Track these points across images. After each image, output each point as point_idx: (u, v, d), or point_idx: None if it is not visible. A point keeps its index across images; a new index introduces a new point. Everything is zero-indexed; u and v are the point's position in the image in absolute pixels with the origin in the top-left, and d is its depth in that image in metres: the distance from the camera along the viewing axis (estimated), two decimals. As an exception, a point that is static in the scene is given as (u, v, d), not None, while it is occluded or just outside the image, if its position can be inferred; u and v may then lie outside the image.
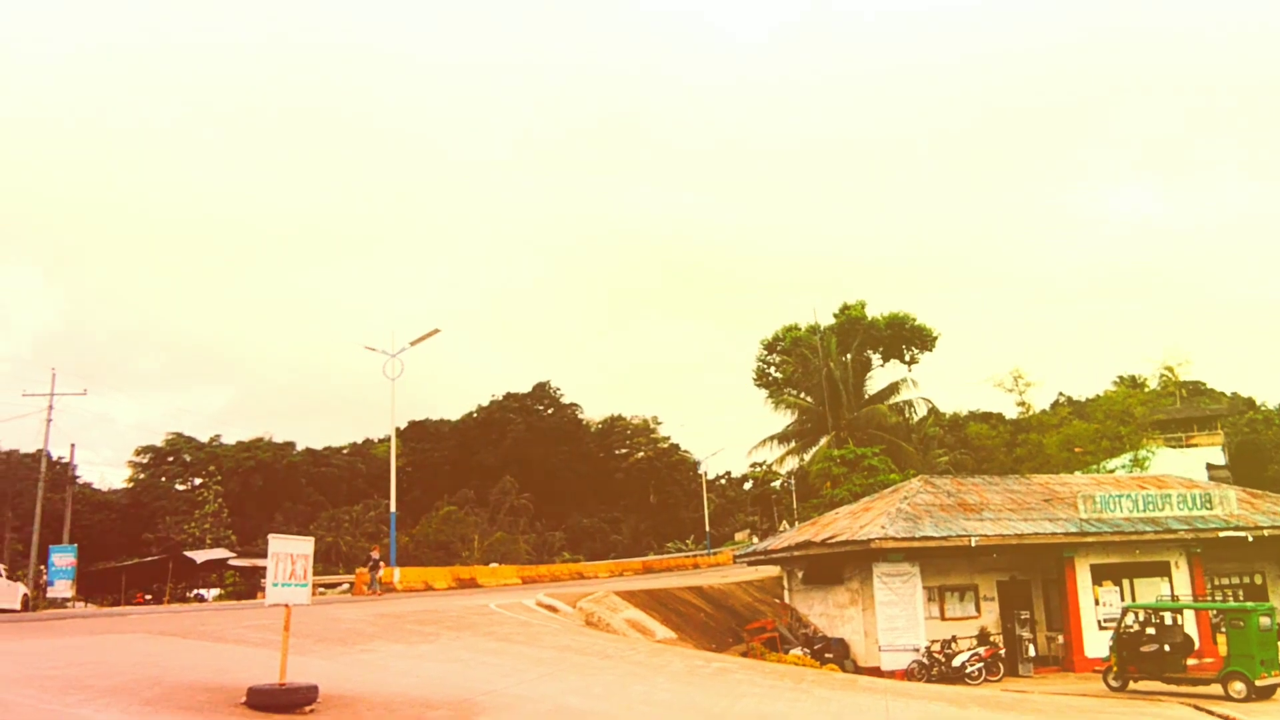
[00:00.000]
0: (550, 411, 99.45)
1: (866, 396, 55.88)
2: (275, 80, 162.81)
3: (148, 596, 55.69)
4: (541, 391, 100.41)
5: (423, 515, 72.42)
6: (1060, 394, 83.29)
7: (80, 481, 66.20)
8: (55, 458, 55.75)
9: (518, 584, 45.30)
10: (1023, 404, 52.38)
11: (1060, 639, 25.99)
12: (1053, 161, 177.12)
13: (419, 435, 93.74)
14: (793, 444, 57.27)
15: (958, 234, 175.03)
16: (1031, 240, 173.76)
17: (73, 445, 73.03)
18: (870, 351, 57.75)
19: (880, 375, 57.71)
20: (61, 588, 45.81)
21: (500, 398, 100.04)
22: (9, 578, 35.49)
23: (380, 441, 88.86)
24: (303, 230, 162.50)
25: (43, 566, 47.49)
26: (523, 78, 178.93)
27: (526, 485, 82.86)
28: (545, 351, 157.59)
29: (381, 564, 36.97)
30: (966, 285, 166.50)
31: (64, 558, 47.33)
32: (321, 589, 41.93)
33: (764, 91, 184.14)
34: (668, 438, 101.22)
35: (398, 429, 47.44)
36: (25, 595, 36.18)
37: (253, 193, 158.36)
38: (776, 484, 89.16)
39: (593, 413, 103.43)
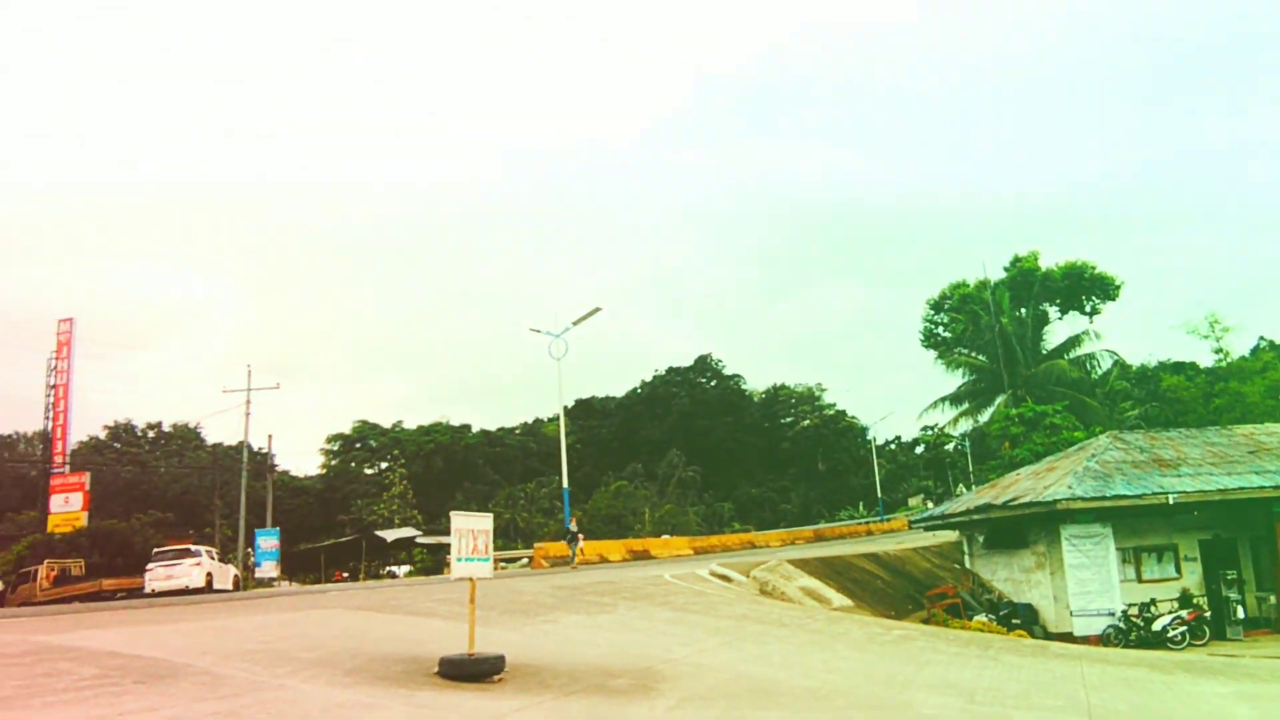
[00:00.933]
0: (713, 384, 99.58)
1: (1044, 352, 53.39)
2: (429, 71, 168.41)
3: (345, 574, 59.23)
4: (704, 364, 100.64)
5: (593, 490, 73.99)
6: (1262, 338, 76.90)
7: (279, 469, 70.81)
8: (255, 448, 59.88)
9: (690, 554, 45.64)
10: (1220, 350, 48.80)
11: (1272, 599, 24.14)
12: (1253, 88, 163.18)
13: (586, 412, 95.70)
14: (966, 405, 55.38)
15: (1139, 173, 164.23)
16: (1229, 171, 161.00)
17: (270, 436, 78.21)
18: (1046, 304, 55.07)
19: (1058, 329, 55.00)
20: (268, 568, 49.28)
21: (663, 372, 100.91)
22: (221, 560, 38.41)
23: (549, 420, 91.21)
24: (470, 219, 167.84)
25: (250, 549, 51.23)
26: (676, 46, 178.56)
27: (693, 458, 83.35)
28: (705, 324, 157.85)
29: (580, 536, 37.34)
30: (1152, 227, 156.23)
31: (268, 540, 50.91)
32: (502, 563, 43.45)
33: (921, 40, 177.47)
34: (833, 404, 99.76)
35: (565, 407, 48.48)
36: (236, 576, 39.05)
37: (421, 187, 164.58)
38: (950, 446, 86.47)
39: (755, 383, 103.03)
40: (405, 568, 59.26)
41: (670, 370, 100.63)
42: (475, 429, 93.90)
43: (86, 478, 51.07)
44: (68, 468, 52.05)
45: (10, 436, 73.82)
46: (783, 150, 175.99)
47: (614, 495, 71.38)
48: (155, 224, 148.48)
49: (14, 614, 21.39)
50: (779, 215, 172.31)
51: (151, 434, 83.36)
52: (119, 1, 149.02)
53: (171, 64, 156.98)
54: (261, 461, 60.46)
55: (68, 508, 48.91)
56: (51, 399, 53.17)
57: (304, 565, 62.60)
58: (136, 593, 33.76)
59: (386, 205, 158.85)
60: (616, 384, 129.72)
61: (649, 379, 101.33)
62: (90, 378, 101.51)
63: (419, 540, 60.91)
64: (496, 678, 9.67)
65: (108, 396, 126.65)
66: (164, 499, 67.73)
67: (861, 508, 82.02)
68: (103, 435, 79.31)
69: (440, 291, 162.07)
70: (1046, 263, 54.72)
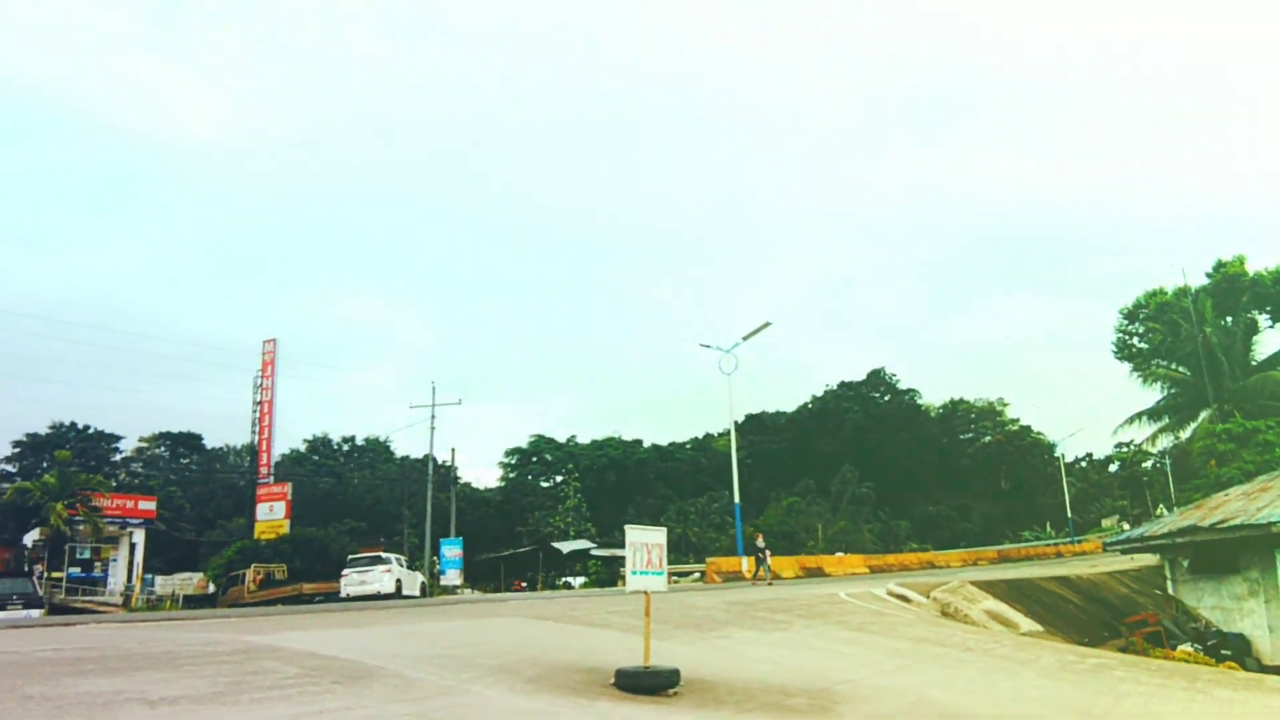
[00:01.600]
0: (887, 398, 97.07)
1: (1254, 363, 49.39)
2: (593, 87, 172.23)
3: (523, 584, 60.91)
4: (877, 378, 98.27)
5: (764, 506, 73.39)
6: None
7: (461, 481, 73.69)
8: (439, 461, 62.49)
9: (865, 573, 44.57)
10: None
11: None
12: None
13: (756, 427, 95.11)
14: (1165, 420, 51.89)
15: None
16: None
17: (453, 449, 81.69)
18: (1256, 312, 50.91)
19: (1270, 338, 50.71)
20: (452, 576, 51.21)
21: (834, 387, 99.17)
22: (409, 568, 40.21)
23: (719, 435, 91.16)
24: (641, 236, 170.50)
25: (435, 557, 53.40)
26: (845, 57, 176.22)
27: (866, 474, 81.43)
28: (876, 338, 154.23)
29: (767, 552, 36.70)
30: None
31: (452, 549, 52.96)
32: (674, 577, 43.65)
33: (1098, 46, 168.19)
34: (1016, 420, 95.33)
35: (736, 422, 48.35)
36: (423, 583, 40.76)
37: (591, 205, 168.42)
38: (1148, 465, 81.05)
39: (931, 397, 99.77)
40: (580, 579, 60.45)
41: (842, 385, 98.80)
42: (646, 444, 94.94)
43: (289, 488, 54.59)
44: (272, 478, 55.85)
45: (221, 449, 79.84)
46: (954, 160, 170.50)
47: (786, 511, 70.57)
48: (351, 250, 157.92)
49: (225, 614, 23.02)
50: (951, 226, 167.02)
51: (346, 447, 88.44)
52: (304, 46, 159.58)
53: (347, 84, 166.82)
54: (445, 474, 63.06)
55: (272, 516, 52.41)
56: (257, 414, 57.25)
57: (485, 574, 64.82)
58: (333, 596, 35.79)
59: (566, 226, 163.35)
60: (787, 399, 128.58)
61: (820, 394, 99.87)
62: (292, 395, 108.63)
63: (593, 552, 62.03)
64: (671, 691, 9.68)
65: (306, 412, 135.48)
66: (358, 508, 71.62)
67: (1049, 528, 77.93)
68: (303, 448, 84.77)
69: (613, 309, 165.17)
70: (1255, 266, 50.62)
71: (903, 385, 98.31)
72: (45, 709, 6.81)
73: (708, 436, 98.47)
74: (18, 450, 62.57)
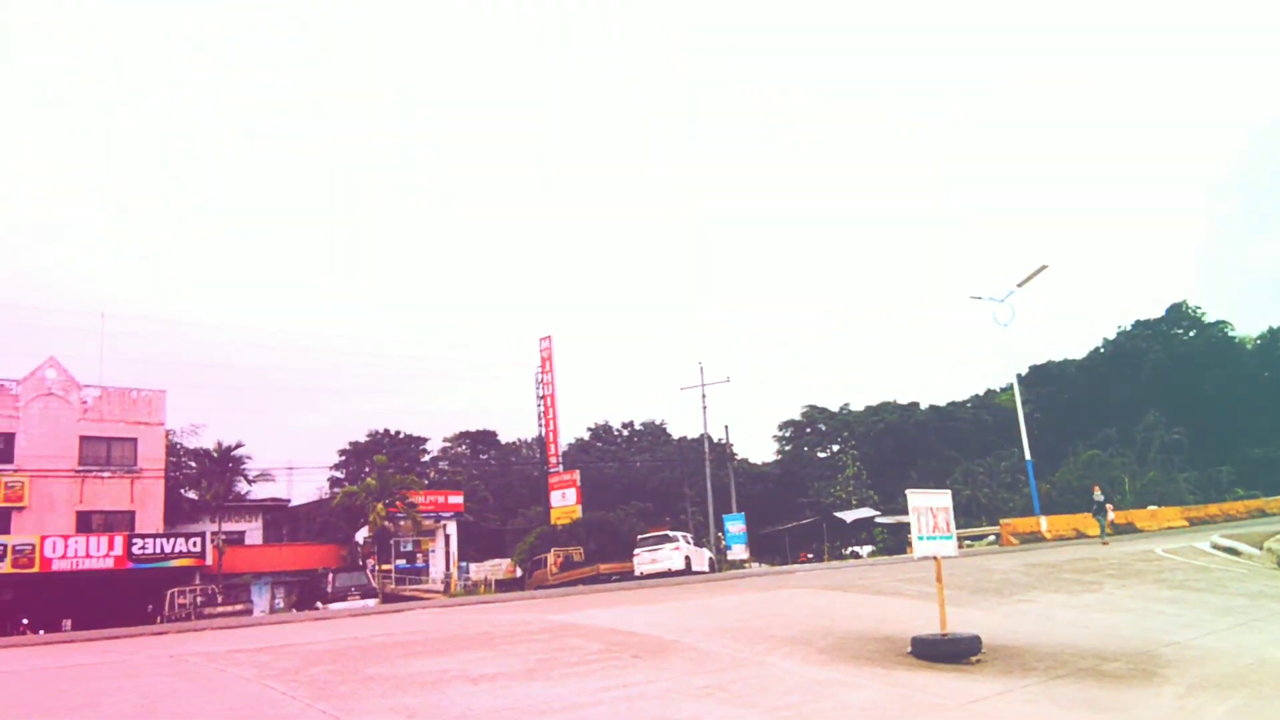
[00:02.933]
0: (1192, 334, 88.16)
1: None
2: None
3: (809, 555, 60.82)
4: (1178, 313, 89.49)
5: (1059, 461, 68.91)
6: None
7: (738, 458, 74.51)
8: (715, 439, 63.54)
9: (1183, 526, 40.91)
10: None
11: None
12: None
13: (1042, 378, 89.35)
14: None
15: None
16: None
17: (726, 427, 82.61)
18: None
19: None
20: (737, 550, 52.01)
21: (1129, 327, 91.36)
22: (696, 544, 41.21)
23: (1002, 391, 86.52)
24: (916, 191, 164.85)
25: (719, 533, 54.41)
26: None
27: (1175, 419, 74.42)
28: (1175, 268, 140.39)
29: (1109, 506, 32.87)
30: None
31: (735, 524, 53.76)
32: (967, 541, 41.99)
33: None
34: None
35: (1019, 375, 45.75)
36: (711, 558, 41.64)
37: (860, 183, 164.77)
38: None
39: (1245, 328, 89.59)
40: (868, 548, 59.50)
41: (1138, 324, 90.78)
42: (924, 405, 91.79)
43: (577, 474, 57.47)
44: (561, 467, 59.02)
45: (514, 443, 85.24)
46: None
47: (1085, 465, 65.89)
48: (612, 243, 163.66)
49: (531, 596, 24.61)
50: (1257, 136, 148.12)
51: (626, 432, 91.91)
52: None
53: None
54: (721, 451, 64.07)
55: (565, 502, 55.42)
56: (542, 408, 60.66)
57: (769, 547, 65.31)
58: (628, 575, 37.32)
59: (826, 201, 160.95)
60: (1074, 345, 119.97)
61: (1112, 336, 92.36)
62: (572, 386, 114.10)
63: (878, 520, 60.89)
64: (973, 659, 9.31)
65: (587, 402, 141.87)
66: (642, 490, 74.27)
67: None
68: (586, 436, 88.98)
69: (876, 270, 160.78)
70: None
71: (1209, 318, 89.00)
72: (384, 687, 7.56)
73: (989, 393, 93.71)
74: (344, 458, 69.92)
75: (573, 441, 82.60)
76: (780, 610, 13.01)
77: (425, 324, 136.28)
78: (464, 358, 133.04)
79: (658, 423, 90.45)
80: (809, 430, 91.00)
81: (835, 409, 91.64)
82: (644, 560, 35.85)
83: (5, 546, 37.02)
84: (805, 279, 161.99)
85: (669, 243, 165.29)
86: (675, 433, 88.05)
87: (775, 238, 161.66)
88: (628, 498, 67.70)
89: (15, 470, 40.48)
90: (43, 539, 37.95)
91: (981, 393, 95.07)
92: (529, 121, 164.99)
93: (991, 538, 42.96)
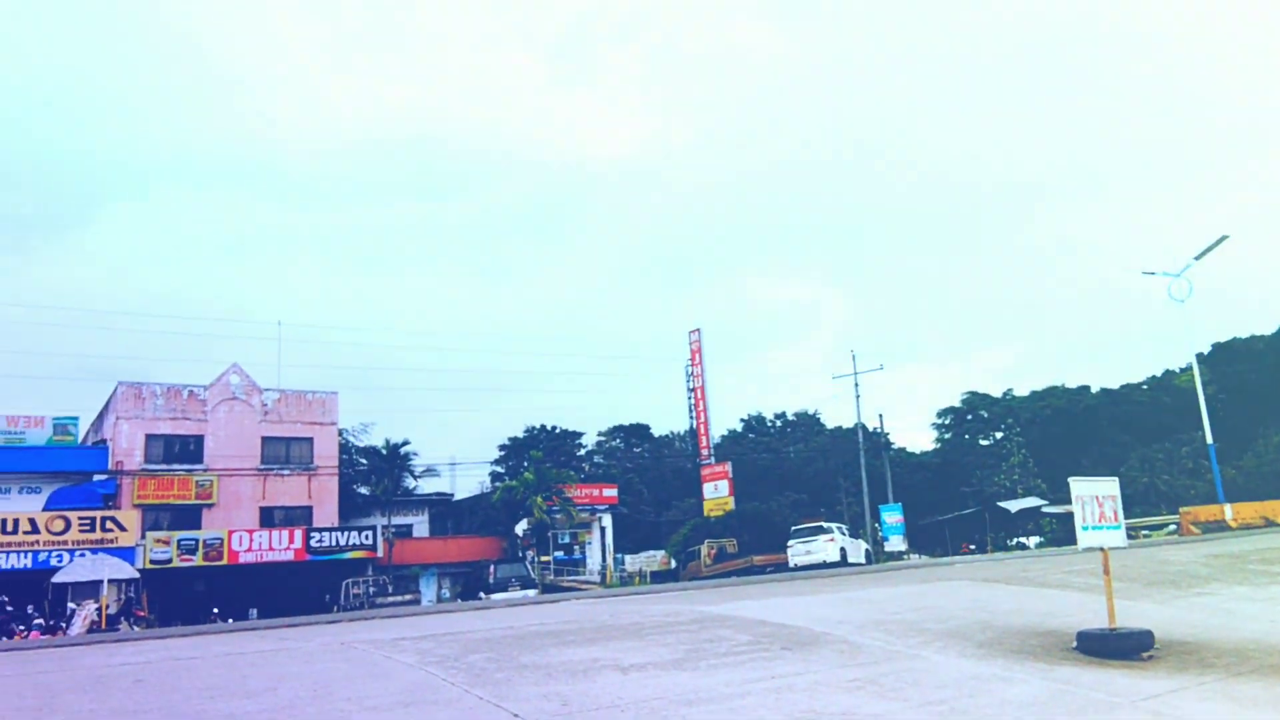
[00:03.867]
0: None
1: None
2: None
3: (971, 546, 58.86)
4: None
5: (1246, 444, 64.21)
6: None
7: (894, 446, 72.76)
8: (869, 428, 62.25)
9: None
10: None
11: None
12: None
13: (1227, 356, 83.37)
14: None
15: None
16: None
17: (880, 415, 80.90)
18: None
19: None
20: (895, 542, 50.86)
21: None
22: (851, 536, 40.53)
23: (1182, 371, 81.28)
24: (1048, 176, 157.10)
25: (876, 524, 53.32)
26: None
27: (1389, 395, 68.22)
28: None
29: None
30: None
31: (893, 515, 52.56)
32: (1144, 531, 39.75)
33: None
34: None
35: (1199, 354, 42.98)
36: (867, 550, 40.88)
37: (984, 152, 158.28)
38: None
39: None
40: (1034, 539, 57.09)
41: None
42: (1094, 389, 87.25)
43: (729, 466, 57.40)
44: (713, 459, 59.09)
45: (667, 436, 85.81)
46: None
47: (1277, 449, 61.21)
48: (764, 239, 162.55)
49: (682, 587, 24.75)
50: None
51: (779, 423, 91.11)
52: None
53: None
54: (876, 440, 62.69)
55: (717, 494, 55.45)
56: (693, 400, 60.86)
57: (928, 539, 63.47)
58: (782, 567, 37.05)
59: (956, 180, 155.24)
60: (1264, 320, 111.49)
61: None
62: (724, 379, 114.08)
63: (1045, 510, 58.32)
64: (1145, 655, 8.82)
65: (739, 395, 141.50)
66: (796, 480, 73.47)
67: None
68: (739, 428, 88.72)
69: (1031, 254, 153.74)
70: None
71: None
72: (536, 675, 7.77)
73: (1167, 373, 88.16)
74: (503, 453, 72.03)
75: (725, 434, 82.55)
76: (937, 603, 12.65)
77: (578, 321, 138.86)
78: (616, 353, 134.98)
79: (811, 413, 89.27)
80: (969, 417, 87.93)
81: (998, 395, 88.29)
82: (798, 552, 35.50)
83: (197, 541, 39.98)
84: (952, 264, 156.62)
85: (814, 226, 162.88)
86: (829, 423, 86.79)
87: (921, 225, 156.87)
88: (781, 489, 67.14)
89: (205, 470, 43.61)
90: (230, 533, 40.78)
91: (1159, 374, 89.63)
92: (677, 119, 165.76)
93: (1171, 527, 40.57)
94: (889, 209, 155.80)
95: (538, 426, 74.39)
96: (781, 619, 10.89)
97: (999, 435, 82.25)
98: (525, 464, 59.33)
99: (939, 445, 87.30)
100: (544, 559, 48.27)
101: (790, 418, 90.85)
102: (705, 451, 59.42)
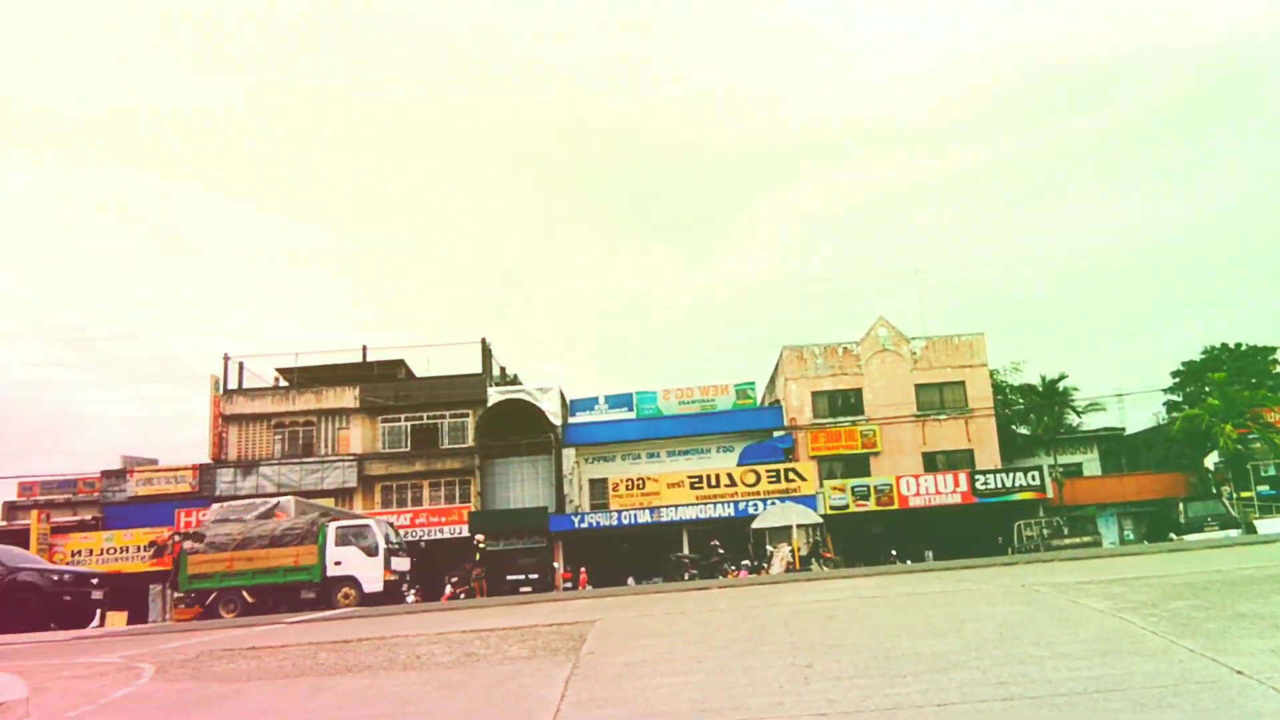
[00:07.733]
0: None
1: None
2: None
3: None
4: None
5: None
6: None
7: None
8: None
9: None
10: None
11: None
12: None
13: None
14: None
15: None
16: None
17: None
18: None
19: None
20: None
21: None
22: None
23: None
24: None
25: None
26: None
27: None
28: None
29: None
30: None
31: None
32: None
33: None
34: None
35: None
36: None
37: None
38: None
39: None
40: None
41: None
42: None
43: None
44: None
45: None
46: None
47: None
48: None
49: None
50: None
51: None
52: None
53: None
54: None
55: None
56: None
57: None
58: None
59: None
60: None
61: None
62: None
63: None
64: None
65: None
66: None
67: None
68: None
69: None
70: None
71: None
72: (1260, 626, 6.64)
73: None
74: (1176, 380, 64.46)
75: None
76: None
77: (1259, 222, 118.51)
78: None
79: None
80: None
81: None
82: None
83: (868, 487, 42.59)
84: None
85: None
86: None
87: None
88: None
89: (868, 420, 46.08)
90: (898, 479, 42.72)
91: None
92: None
93: None
94: None
95: (1217, 346, 65.24)
96: None
97: None
98: (1206, 389, 52.59)
99: None
100: (1244, 494, 42.19)
101: None
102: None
